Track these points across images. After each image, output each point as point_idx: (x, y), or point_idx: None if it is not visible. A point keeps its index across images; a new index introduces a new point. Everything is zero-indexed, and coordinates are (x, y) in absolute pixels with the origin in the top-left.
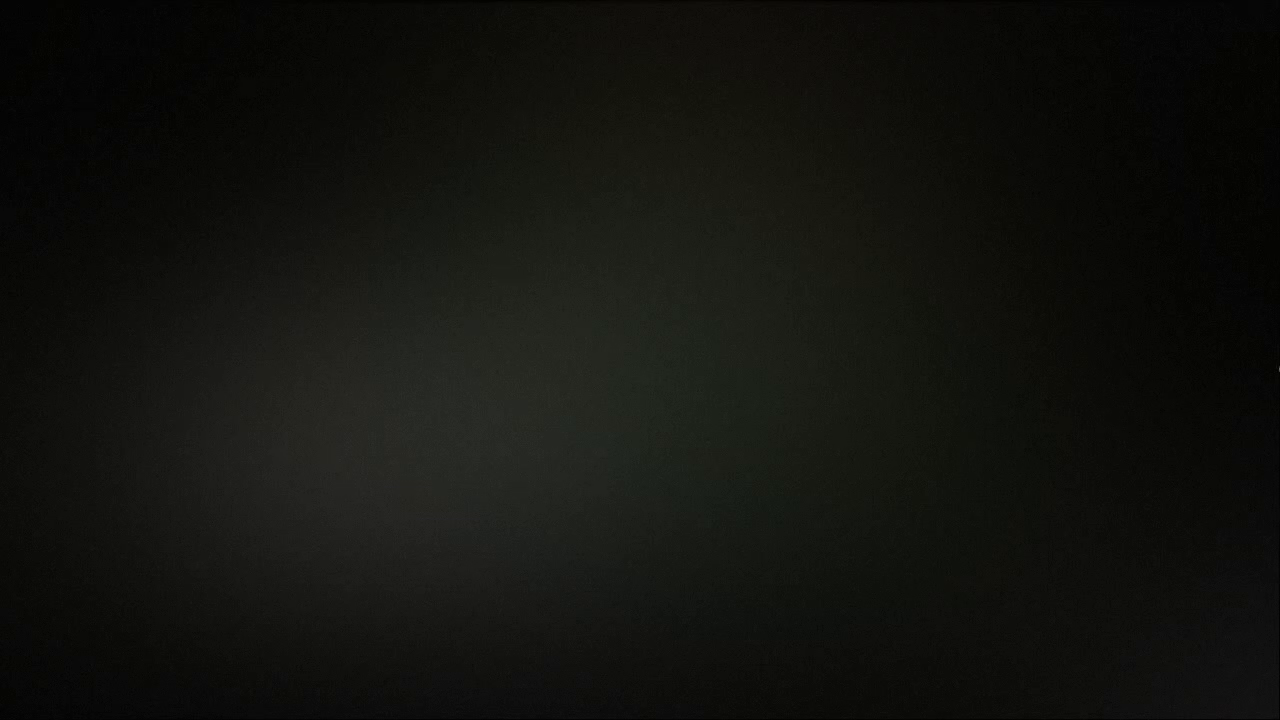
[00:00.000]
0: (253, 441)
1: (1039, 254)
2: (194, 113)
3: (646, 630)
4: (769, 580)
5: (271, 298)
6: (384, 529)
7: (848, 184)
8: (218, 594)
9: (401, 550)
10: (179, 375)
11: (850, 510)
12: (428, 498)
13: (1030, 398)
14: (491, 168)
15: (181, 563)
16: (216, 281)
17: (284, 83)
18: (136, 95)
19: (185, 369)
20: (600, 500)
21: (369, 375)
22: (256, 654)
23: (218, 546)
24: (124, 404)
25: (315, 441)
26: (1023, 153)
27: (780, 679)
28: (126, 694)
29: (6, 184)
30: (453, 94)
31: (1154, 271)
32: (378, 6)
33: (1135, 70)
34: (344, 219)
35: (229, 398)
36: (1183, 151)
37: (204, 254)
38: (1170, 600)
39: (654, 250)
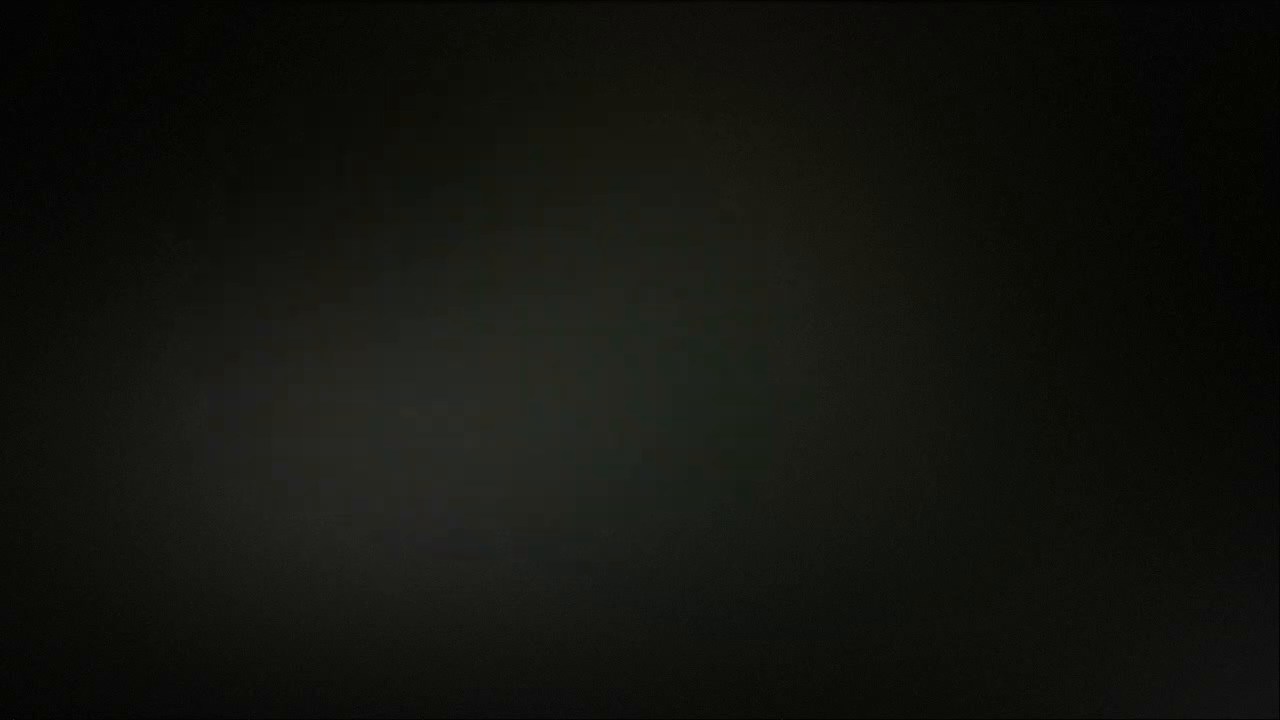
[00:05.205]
0: (253, 441)
1: (1039, 254)
2: (194, 113)
3: (646, 630)
4: (769, 580)
5: (271, 298)
6: (384, 529)
7: (848, 184)
8: (218, 594)
9: (401, 550)
10: (179, 375)
11: (850, 510)
12: (428, 498)
13: (1030, 398)
14: (491, 168)
15: (181, 563)
16: (216, 281)
17: (284, 83)
18: (136, 95)
19: (185, 369)
20: (600, 500)
21: (369, 375)
22: (256, 654)
23: (218, 546)
24: (124, 404)
25: (315, 441)
26: (1023, 153)
27: (780, 679)
28: (126, 694)
29: (6, 184)
30: (453, 94)
31: (1154, 271)
32: (378, 6)
33: (1135, 70)
34: (344, 219)
35: (229, 397)
36: (1183, 151)
37: (204, 254)
38: (1170, 600)
39: (654, 250)
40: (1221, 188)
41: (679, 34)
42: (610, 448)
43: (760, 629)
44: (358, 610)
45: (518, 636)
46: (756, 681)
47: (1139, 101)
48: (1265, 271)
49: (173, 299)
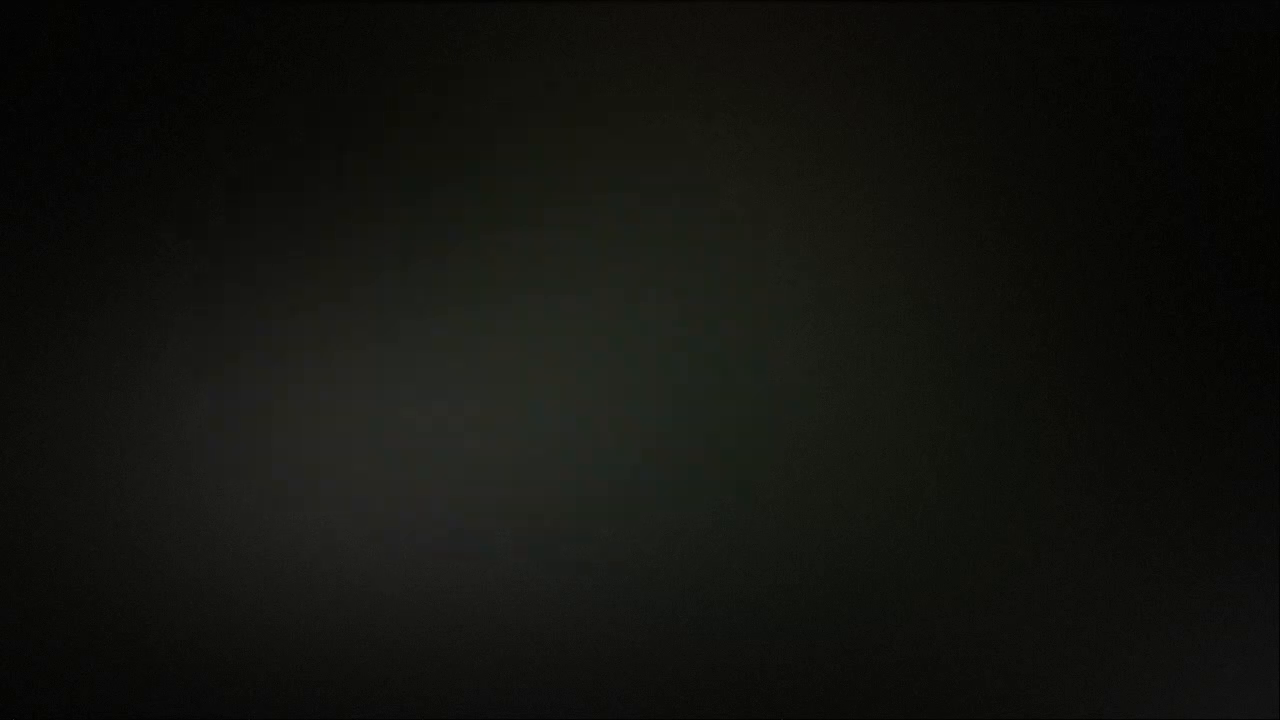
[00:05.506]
0: (253, 441)
1: (1039, 254)
2: (194, 113)
3: (646, 630)
4: (769, 580)
5: (272, 298)
6: (384, 529)
7: (848, 184)
8: (218, 594)
9: (401, 550)
10: (179, 375)
11: (850, 510)
12: (428, 498)
13: (1030, 398)
14: (491, 168)
15: (181, 563)
16: (217, 281)
17: (284, 83)
18: (136, 95)
19: (185, 369)
20: (600, 500)
21: (369, 375)
22: (256, 654)
23: (218, 546)
24: (124, 404)
25: (315, 441)
26: (1023, 153)
27: (780, 679)
28: (126, 694)
29: (6, 184)
30: (453, 94)
31: (1154, 271)
32: (378, 6)
33: (1135, 70)
34: (344, 219)
35: (229, 397)
36: (1183, 151)
37: (204, 254)
38: (1170, 600)
39: (655, 250)
40: (1221, 188)
41: (679, 34)
42: (610, 448)
43: (760, 629)
44: (358, 610)
45: (518, 636)
46: (756, 681)
47: (1139, 101)
48: (1265, 271)
49: (173, 299)
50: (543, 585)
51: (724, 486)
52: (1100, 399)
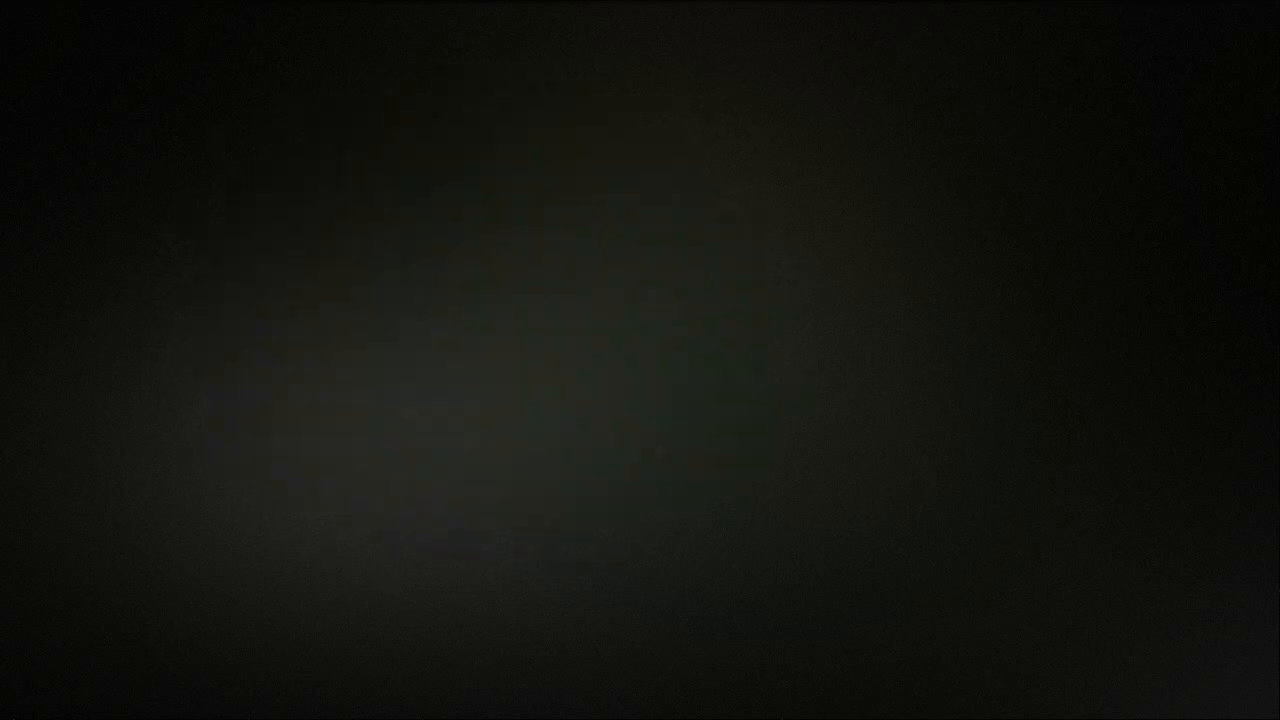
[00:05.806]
0: (253, 441)
1: (1039, 254)
2: (194, 113)
3: (646, 630)
4: (769, 580)
5: (272, 298)
6: (384, 529)
7: (848, 184)
8: (218, 594)
9: (401, 550)
10: (179, 375)
11: (850, 510)
12: (428, 498)
13: (1030, 398)
14: (491, 168)
15: (181, 563)
16: (217, 281)
17: (284, 83)
18: (136, 95)
19: (185, 368)
20: (600, 500)
21: (369, 375)
22: (256, 654)
23: (218, 546)
24: (124, 404)
25: (315, 441)
26: (1023, 153)
27: (780, 679)
28: (126, 694)
29: (6, 184)
30: (453, 94)
31: (1154, 271)
32: (378, 6)
33: (1135, 70)
34: (344, 219)
35: (229, 397)
36: (1183, 151)
37: (204, 254)
38: (1170, 600)
39: (655, 250)
40: (1221, 188)
41: (679, 34)
42: (610, 448)
43: (760, 629)
44: (358, 610)
45: (518, 636)
46: (756, 681)
47: (1139, 101)
48: (1265, 271)
49: (173, 299)
50: (543, 585)
51: (724, 486)
52: (1100, 399)
